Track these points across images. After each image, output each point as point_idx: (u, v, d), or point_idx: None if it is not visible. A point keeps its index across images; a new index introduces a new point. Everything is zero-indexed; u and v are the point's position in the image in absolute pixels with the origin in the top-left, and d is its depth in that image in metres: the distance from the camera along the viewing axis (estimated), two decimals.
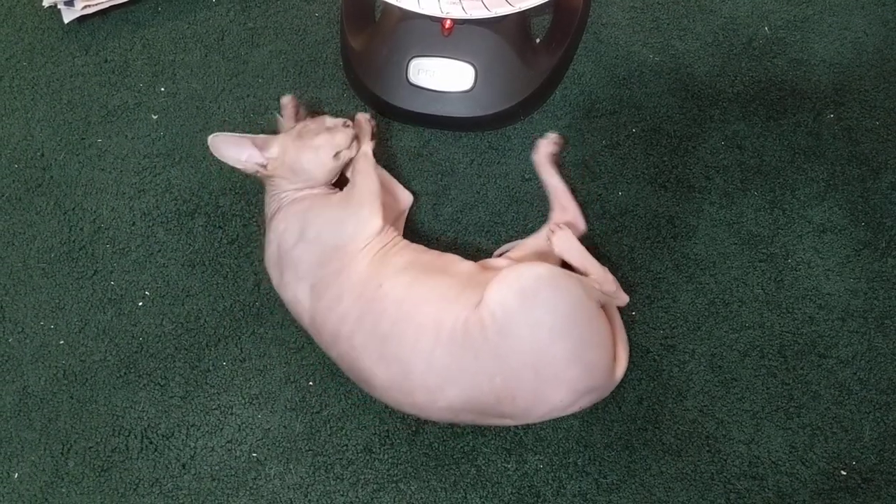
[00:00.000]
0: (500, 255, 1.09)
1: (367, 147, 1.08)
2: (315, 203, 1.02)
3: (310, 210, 1.01)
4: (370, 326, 0.93)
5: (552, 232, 1.04)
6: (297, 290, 0.98)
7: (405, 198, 1.15)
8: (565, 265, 1.01)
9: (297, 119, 1.17)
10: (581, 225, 1.10)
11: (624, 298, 1.03)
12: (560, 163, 1.17)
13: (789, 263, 1.10)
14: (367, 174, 1.04)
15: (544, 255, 1.03)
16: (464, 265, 1.00)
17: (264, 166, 1.04)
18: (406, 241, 1.03)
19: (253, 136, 1.04)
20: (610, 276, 1.01)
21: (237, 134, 1.03)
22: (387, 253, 0.99)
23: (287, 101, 1.18)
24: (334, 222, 0.99)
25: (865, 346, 1.04)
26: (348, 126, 1.06)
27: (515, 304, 0.89)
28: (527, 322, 0.89)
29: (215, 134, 1.02)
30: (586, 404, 0.95)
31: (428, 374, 0.90)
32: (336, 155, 1.04)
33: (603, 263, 1.03)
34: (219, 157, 1.03)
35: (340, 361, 0.98)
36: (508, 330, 0.89)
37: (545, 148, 1.15)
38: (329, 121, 1.07)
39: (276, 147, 1.04)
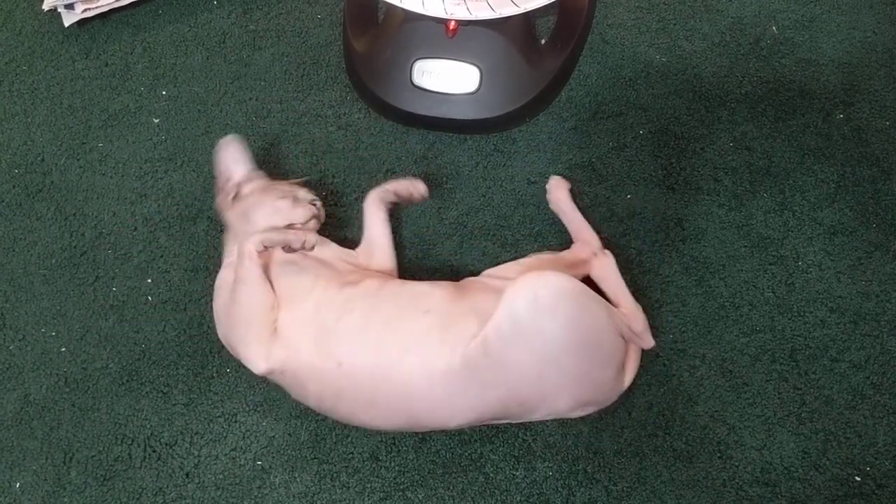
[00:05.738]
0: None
1: (253, 243, 0.91)
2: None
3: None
4: (351, 398, 0.90)
5: (595, 255, 1.02)
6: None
7: (385, 264, 1.06)
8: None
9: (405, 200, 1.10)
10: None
11: (649, 342, 0.96)
12: (572, 191, 1.13)
13: (800, 266, 1.09)
14: (251, 283, 0.91)
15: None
16: (436, 294, 0.91)
17: (236, 195, 1.04)
18: (336, 288, 0.93)
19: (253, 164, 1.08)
20: (641, 315, 0.96)
21: (246, 152, 1.07)
22: (324, 320, 0.91)
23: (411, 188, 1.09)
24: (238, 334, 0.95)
25: (878, 349, 1.03)
26: (314, 205, 1.03)
27: (528, 317, 0.84)
28: (539, 335, 0.85)
29: (234, 136, 1.06)
30: (589, 412, 0.95)
31: (433, 411, 0.90)
32: (288, 226, 0.99)
33: None
34: (217, 158, 1.07)
35: (344, 421, 0.96)
36: (516, 341, 0.85)
37: (563, 185, 1.10)
38: (301, 193, 1.04)
39: (253, 185, 1.05)
